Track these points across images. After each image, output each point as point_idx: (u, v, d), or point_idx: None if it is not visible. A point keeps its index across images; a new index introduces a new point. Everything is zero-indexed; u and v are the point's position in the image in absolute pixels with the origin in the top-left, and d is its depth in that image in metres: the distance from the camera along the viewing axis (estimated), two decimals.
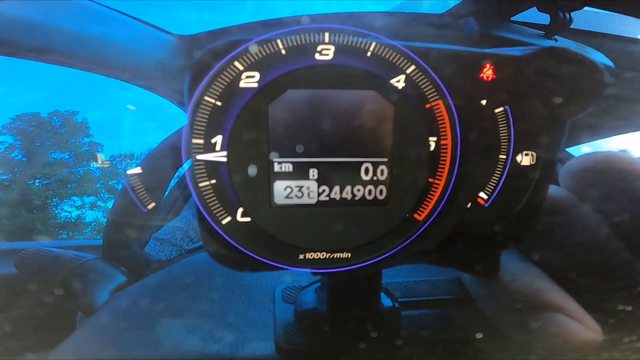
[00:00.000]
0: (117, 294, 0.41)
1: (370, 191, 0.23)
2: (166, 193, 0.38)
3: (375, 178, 0.23)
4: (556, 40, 0.65)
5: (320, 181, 0.23)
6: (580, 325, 0.24)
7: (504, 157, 0.24)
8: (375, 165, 0.23)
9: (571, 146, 1.12)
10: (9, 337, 0.43)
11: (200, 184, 0.22)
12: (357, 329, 0.29)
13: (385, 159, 0.23)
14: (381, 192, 0.23)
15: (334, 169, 0.22)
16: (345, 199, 0.23)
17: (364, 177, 0.23)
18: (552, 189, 0.26)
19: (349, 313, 0.29)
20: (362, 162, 0.22)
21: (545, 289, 0.25)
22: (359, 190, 0.23)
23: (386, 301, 0.31)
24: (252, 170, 0.22)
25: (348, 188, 0.23)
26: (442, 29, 0.77)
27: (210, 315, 0.34)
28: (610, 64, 0.63)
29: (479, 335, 0.28)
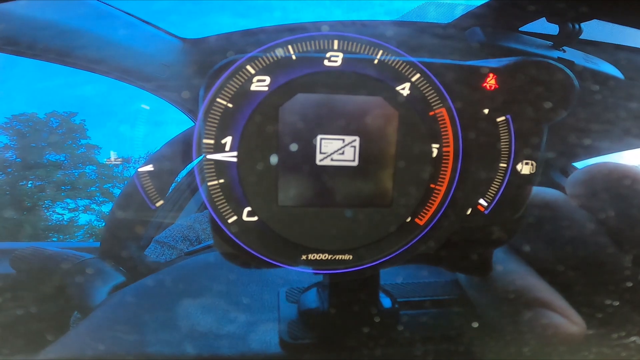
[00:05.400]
0: (114, 293, 0.41)
1: (374, 193, 0.24)
2: (169, 192, 0.38)
3: (379, 181, 0.23)
4: (564, 51, 0.65)
5: (326, 183, 0.23)
6: (565, 320, 0.25)
7: (504, 165, 0.25)
8: (380, 168, 0.23)
9: (585, 159, 1.13)
10: (2, 335, 0.43)
11: (209, 183, 0.22)
12: (358, 326, 0.30)
13: (390, 163, 0.23)
14: (384, 195, 0.24)
15: (340, 170, 0.23)
16: (349, 200, 0.23)
17: (369, 179, 0.23)
18: (548, 192, 0.27)
19: (349, 311, 0.30)
20: (367, 165, 0.23)
21: (534, 286, 0.26)
22: (363, 192, 0.23)
23: (386, 301, 0.31)
24: (274, 159, 0.22)
25: (353, 190, 0.23)
26: (447, 39, 0.79)
27: (208, 316, 0.34)
28: (620, 75, 0.64)
29: (475, 324, 0.29)
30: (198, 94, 0.22)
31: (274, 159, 0.22)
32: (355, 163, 0.23)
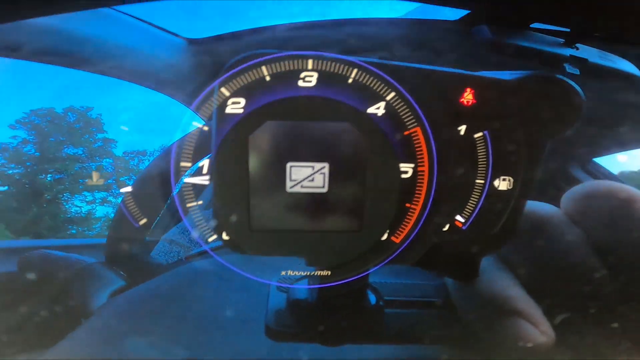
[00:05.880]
0: (114, 297, 0.42)
1: (347, 216, 0.24)
2: (164, 208, 0.39)
3: (349, 206, 0.24)
4: (577, 49, 0.63)
5: (297, 208, 0.23)
6: (536, 330, 0.25)
7: (482, 181, 0.25)
8: (350, 193, 0.23)
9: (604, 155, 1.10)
10: (4, 336, 0.45)
11: (188, 205, 0.23)
12: (343, 319, 0.30)
13: (360, 187, 0.23)
14: (355, 220, 0.24)
15: (310, 197, 0.23)
16: (321, 225, 0.24)
17: (341, 203, 0.24)
18: (543, 207, 0.28)
19: (336, 304, 0.30)
20: (337, 191, 0.23)
21: (514, 295, 0.27)
22: (333, 217, 0.24)
23: (372, 297, 0.32)
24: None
25: (323, 215, 0.24)
26: (453, 37, 0.76)
27: (199, 320, 0.36)
28: (638, 73, 0.62)
29: (455, 328, 0.30)
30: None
31: (243, 185, 0.22)
32: (325, 189, 0.23)
